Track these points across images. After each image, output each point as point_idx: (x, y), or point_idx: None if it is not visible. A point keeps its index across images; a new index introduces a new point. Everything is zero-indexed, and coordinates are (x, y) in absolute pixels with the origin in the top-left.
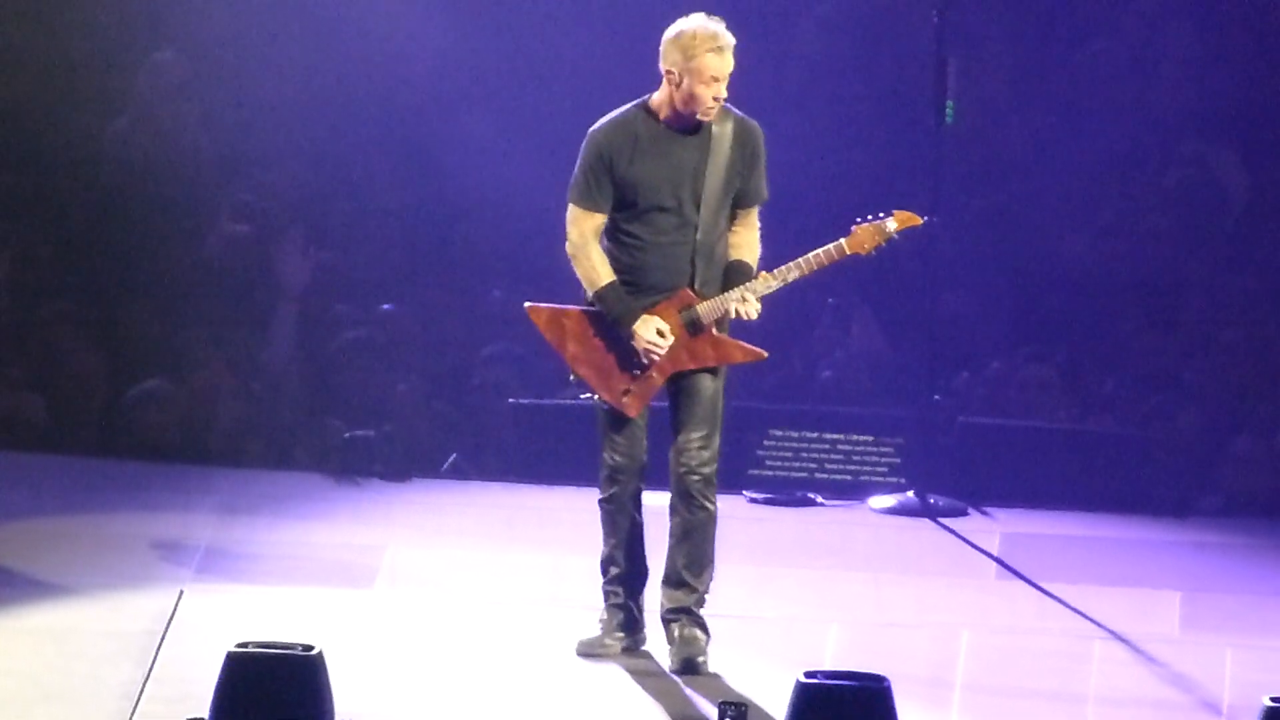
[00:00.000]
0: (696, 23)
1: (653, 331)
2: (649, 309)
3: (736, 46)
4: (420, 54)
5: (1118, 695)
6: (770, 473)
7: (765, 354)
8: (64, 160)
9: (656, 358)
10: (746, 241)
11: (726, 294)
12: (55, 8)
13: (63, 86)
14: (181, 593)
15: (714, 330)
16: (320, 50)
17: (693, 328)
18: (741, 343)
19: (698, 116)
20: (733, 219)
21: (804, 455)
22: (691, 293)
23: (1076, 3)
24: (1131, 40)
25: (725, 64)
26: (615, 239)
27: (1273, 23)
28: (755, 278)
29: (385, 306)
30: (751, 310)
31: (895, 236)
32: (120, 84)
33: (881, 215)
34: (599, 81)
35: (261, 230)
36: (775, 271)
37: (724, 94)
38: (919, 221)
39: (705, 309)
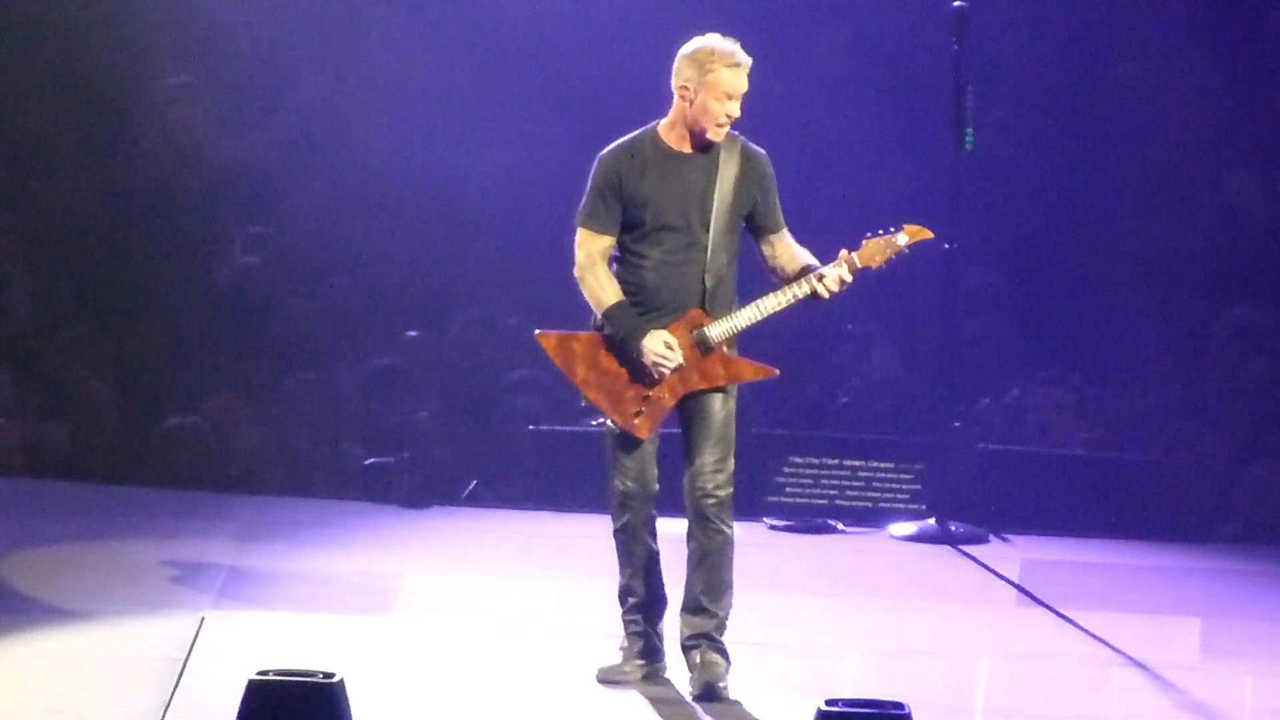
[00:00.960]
0: (713, 40)
1: (661, 344)
2: (659, 329)
3: (756, 71)
4: (435, 79)
5: None
6: (790, 500)
7: (776, 371)
8: (83, 189)
9: (665, 372)
10: (796, 252)
11: (737, 313)
12: (74, 39)
13: (81, 116)
14: (202, 620)
15: (725, 349)
16: (337, 77)
17: (703, 347)
18: (753, 362)
19: (708, 135)
20: (764, 246)
21: (824, 482)
22: (701, 312)
23: (1095, 29)
24: (1151, 66)
25: (741, 81)
26: (624, 261)
27: None
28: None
29: (411, 333)
30: (831, 284)
31: (905, 251)
32: (139, 113)
33: (891, 229)
34: (616, 107)
35: (272, 261)
36: (788, 287)
37: (737, 113)
38: (930, 235)
39: (716, 328)
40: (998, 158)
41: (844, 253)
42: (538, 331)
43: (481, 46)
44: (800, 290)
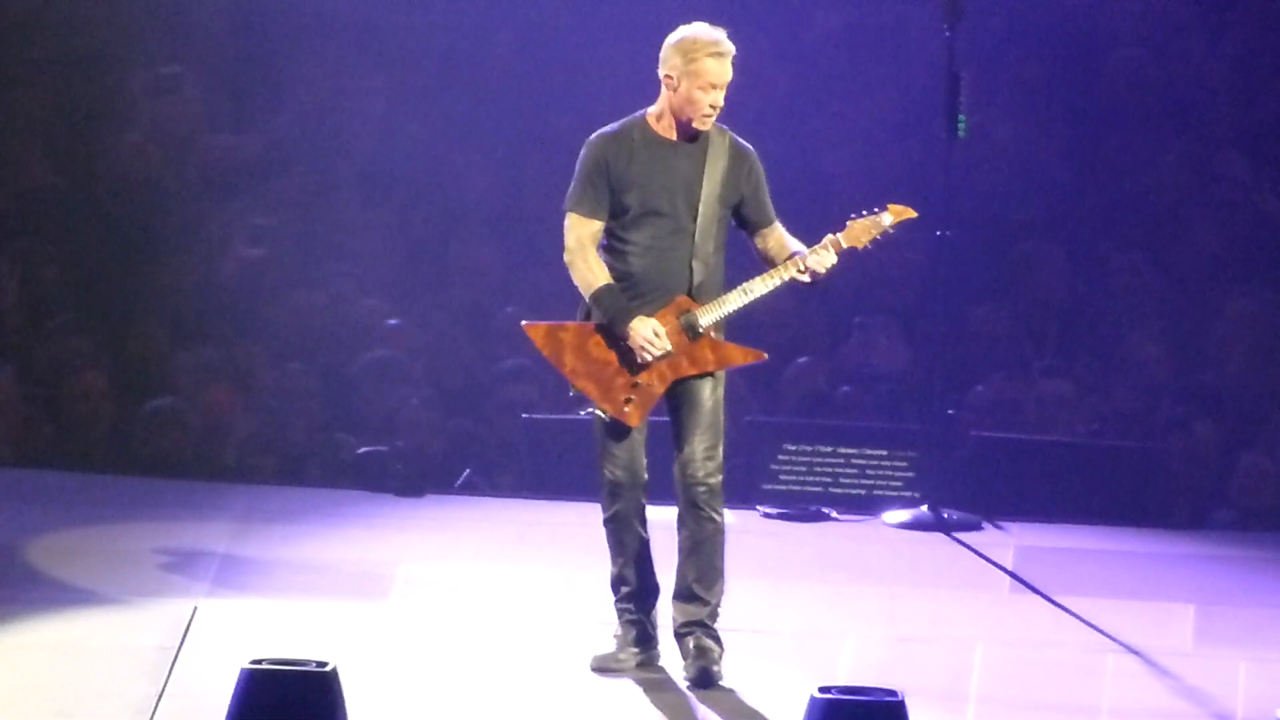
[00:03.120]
0: (698, 29)
1: (649, 329)
2: (648, 316)
3: (749, 58)
4: (427, 69)
5: (1132, 708)
6: (784, 487)
7: (765, 355)
8: (72, 178)
9: (650, 357)
10: (788, 242)
11: (724, 298)
12: (64, 30)
13: (70, 104)
14: (196, 608)
15: (713, 335)
16: (327, 68)
17: (691, 332)
18: (741, 346)
19: (694, 124)
20: (757, 240)
21: (818, 470)
22: (688, 299)
23: (1089, 14)
24: (1146, 52)
25: (724, 70)
26: (611, 247)
27: None
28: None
29: (391, 322)
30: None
31: (891, 230)
32: (128, 101)
33: (876, 210)
34: (607, 96)
35: (274, 252)
36: (774, 270)
37: (721, 102)
38: (913, 214)
39: (704, 313)
40: (991, 144)
41: (829, 236)
42: (525, 323)
43: (473, 35)
44: (786, 273)
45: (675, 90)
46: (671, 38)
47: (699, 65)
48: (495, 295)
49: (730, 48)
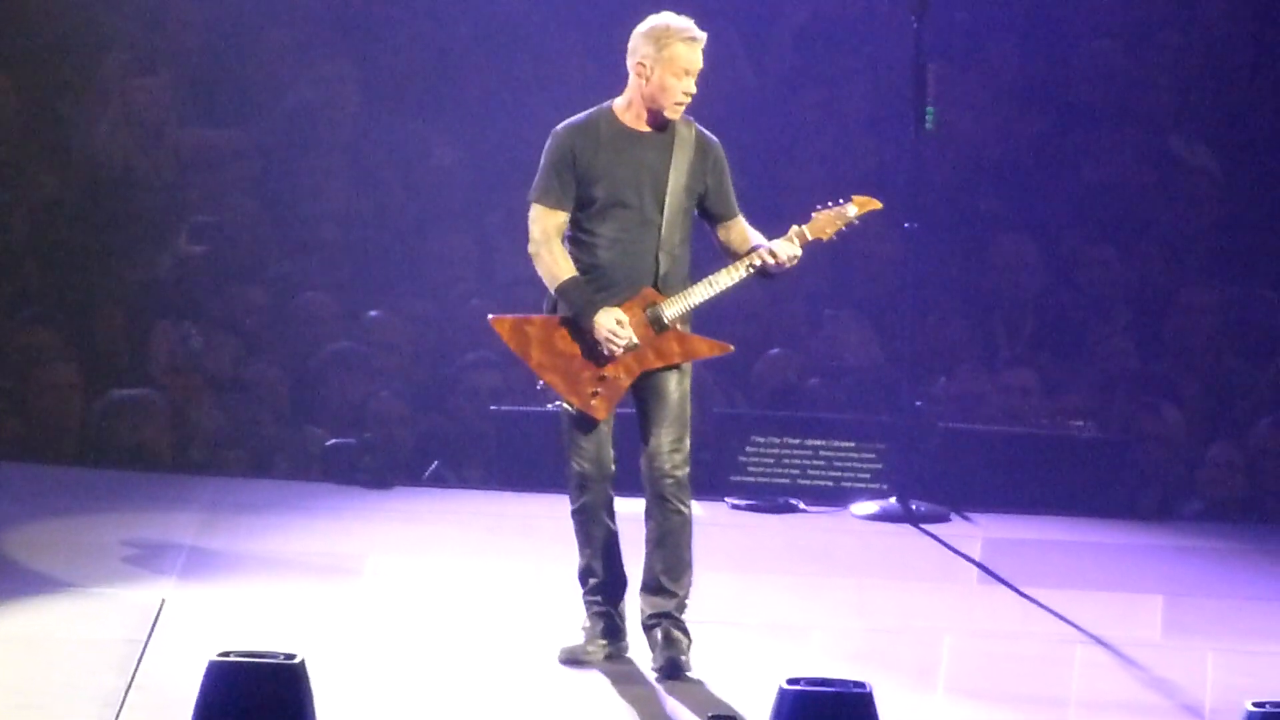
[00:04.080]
0: (668, 16)
1: (612, 321)
2: (613, 307)
3: (716, 51)
4: (396, 62)
5: (1100, 699)
6: (753, 479)
7: (731, 347)
8: (39, 170)
9: (616, 349)
10: (750, 235)
11: (690, 290)
12: (30, 23)
13: (38, 96)
14: (164, 601)
15: (678, 327)
16: (297, 61)
17: (657, 324)
18: (707, 338)
19: (665, 113)
20: (720, 231)
21: (786, 462)
22: (654, 291)
23: (1057, 8)
24: (1113, 44)
25: (696, 57)
26: (577, 239)
27: (1262, 26)
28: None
29: (371, 313)
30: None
31: (855, 221)
32: (96, 93)
33: (841, 201)
34: (574, 91)
35: (219, 250)
36: (739, 262)
37: (693, 90)
38: (878, 205)
39: (669, 306)
40: (959, 137)
41: (795, 227)
42: (491, 316)
43: (439, 28)
44: (752, 264)
45: (648, 79)
46: (641, 27)
47: (672, 51)
48: (463, 288)
49: (701, 34)
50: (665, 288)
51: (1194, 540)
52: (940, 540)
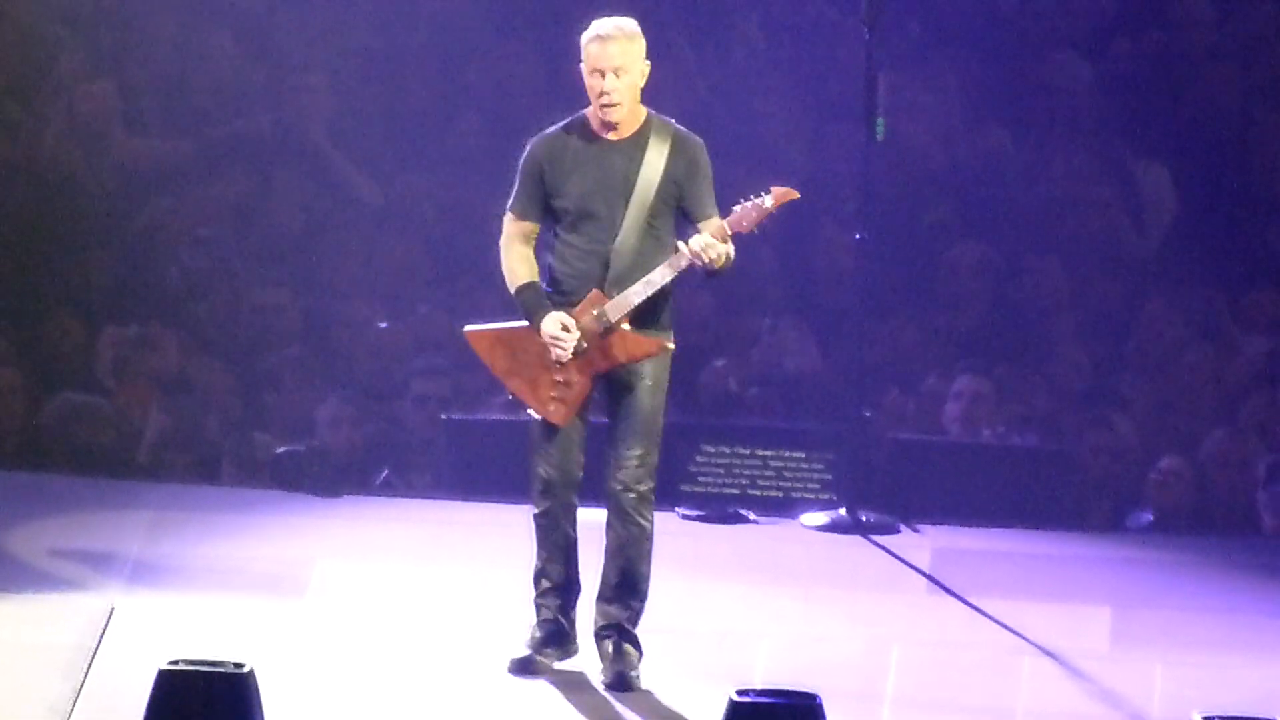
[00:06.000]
0: (597, 21)
1: (556, 325)
2: (561, 312)
3: (663, 61)
4: (350, 71)
5: (1047, 710)
6: (702, 489)
7: (672, 346)
8: None
9: (560, 352)
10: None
11: (629, 289)
12: None
13: None
14: (113, 609)
15: (624, 326)
16: (250, 67)
17: (605, 327)
18: (648, 337)
19: (599, 116)
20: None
21: (736, 471)
22: (600, 294)
23: (1009, 18)
24: (1065, 55)
25: (603, 56)
26: (556, 250)
27: (1220, 39)
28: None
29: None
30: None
31: (774, 212)
32: (48, 95)
33: (761, 193)
34: (531, 102)
35: (184, 249)
36: (669, 261)
37: (611, 89)
38: (796, 195)
39: (611, 307)
40: (909, 147)
41: (715, 221)
42: (467, 329)
43: (392, 37)
44: (680, 261)
45: (586, 84)
46: None
47: (586, 53)
48: (411, 294)
49: (609, 31)
50: (614, 289)
51: (1143, 552)
52: (889, 551)
